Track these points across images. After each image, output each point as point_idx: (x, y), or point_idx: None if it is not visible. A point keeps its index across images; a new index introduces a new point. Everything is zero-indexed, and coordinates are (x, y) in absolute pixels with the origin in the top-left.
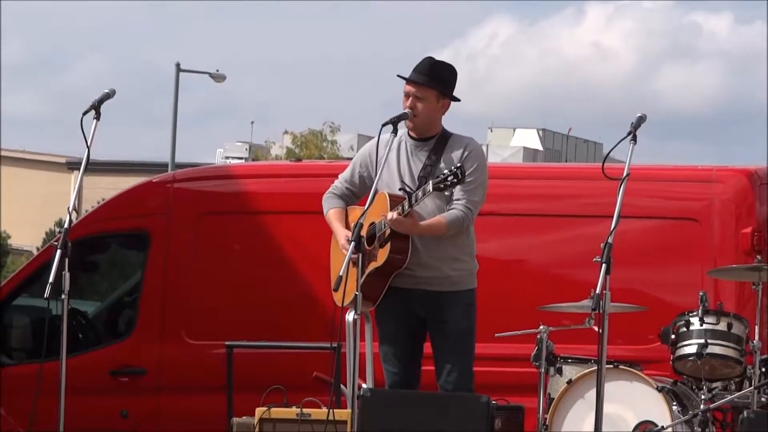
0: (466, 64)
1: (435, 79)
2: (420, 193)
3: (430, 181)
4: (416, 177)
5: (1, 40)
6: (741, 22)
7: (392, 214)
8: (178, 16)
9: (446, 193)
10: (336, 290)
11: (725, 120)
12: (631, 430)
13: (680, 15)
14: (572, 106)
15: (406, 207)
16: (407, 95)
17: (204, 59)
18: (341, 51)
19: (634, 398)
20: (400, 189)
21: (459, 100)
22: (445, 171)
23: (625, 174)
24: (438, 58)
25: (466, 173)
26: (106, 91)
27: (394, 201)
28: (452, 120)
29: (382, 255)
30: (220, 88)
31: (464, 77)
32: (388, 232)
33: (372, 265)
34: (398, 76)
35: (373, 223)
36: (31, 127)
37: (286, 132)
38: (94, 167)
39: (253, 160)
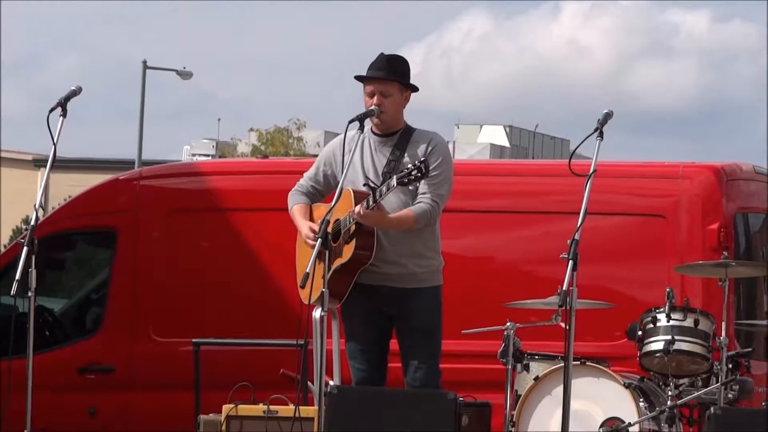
0: (441, 60)
1: (394, 72)
2: (384, 188)
3: (394, 176)
4: (380, 173)
5: None
6: (718, 20)
7: (359, 209)
8: (144, 13)
9: (411, 188)
10: (302, 287)
11: (701, 116)
12: (599, 426)
13: (657, 13)
14: (548, 104)
15: (371, 202)
16: (371, 94)
17: (171, 56)
18: (310, 47)
19: (602, 395)
20: (364, 185)
21: (417, 90)
22: (409, 165)
23: (591, 170)
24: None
25: (431, 167)
26: (73, 88)
27: (359, 197)
28: (425, 116)
29: (348, 251)
30: (187, 86)
31: (439, 73)
32: (353, 228)
33: (337, 261)
34: (356, 77)
35: (338, 219)
36: None
37: (251, 129)
38: (61, 164)
39: (220, 157)
